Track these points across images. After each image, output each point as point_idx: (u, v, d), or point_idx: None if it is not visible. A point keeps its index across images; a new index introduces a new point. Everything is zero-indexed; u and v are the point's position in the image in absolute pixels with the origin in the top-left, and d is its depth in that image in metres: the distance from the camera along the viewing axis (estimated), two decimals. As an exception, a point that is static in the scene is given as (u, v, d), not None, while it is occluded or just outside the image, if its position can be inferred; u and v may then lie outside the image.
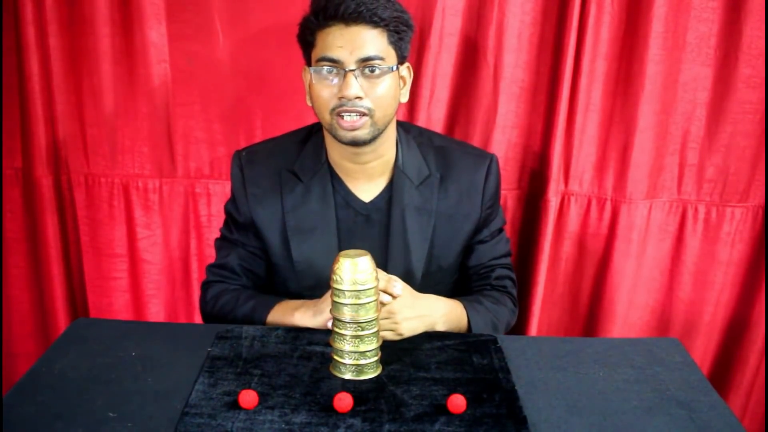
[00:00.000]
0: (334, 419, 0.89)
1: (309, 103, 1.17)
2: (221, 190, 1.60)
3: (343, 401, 0.90)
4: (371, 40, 1.08)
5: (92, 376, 0.98)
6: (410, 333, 1.09)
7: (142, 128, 1.55)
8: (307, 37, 1.13)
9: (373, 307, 0.97)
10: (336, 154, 1.21)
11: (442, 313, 1.14)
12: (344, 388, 0.95)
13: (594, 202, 1.60)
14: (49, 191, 1.56)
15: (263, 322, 1.16)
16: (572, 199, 1.60)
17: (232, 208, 1.27)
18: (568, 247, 1.63)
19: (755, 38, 1.45)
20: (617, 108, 1.53)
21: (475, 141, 1.55)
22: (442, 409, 0.91)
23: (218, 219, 1.61)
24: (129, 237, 1.62)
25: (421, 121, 1.53)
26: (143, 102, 1.52)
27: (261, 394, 0.93)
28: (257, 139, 1.55)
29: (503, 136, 1.56)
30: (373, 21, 1.07)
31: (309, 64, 1.15)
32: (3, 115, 1.52)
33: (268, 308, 1.17)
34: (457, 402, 0.90)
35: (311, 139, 1.25)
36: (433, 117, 1.54)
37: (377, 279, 0.97)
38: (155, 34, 1.47)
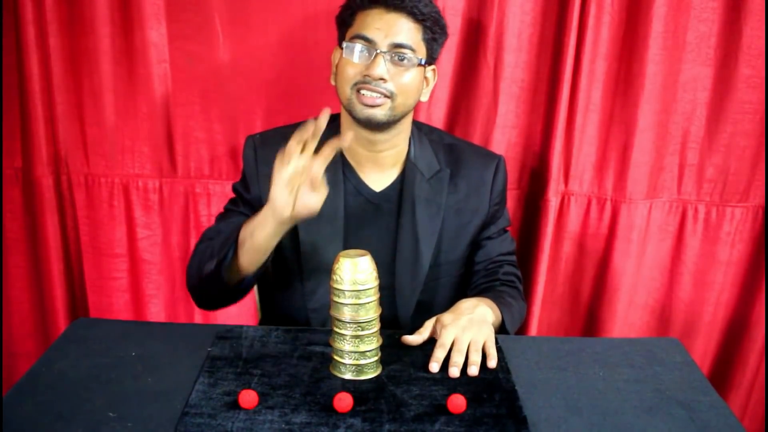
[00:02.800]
0: (334, 419, 0.89)
1: (332, 82, 1.20)
2: (221, 190, 1.60)
3: (343, 401, 0.90)
4: (407, 30, 1.12)
5: (92, 376, 0.98)
6: (490, 332, 1.09)
7: (142, 128, 1.55)
8: (346, 18, 1.16)
9: (373, 307, 0.97)
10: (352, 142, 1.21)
11: (486, 312, 1.14)
12: (344, 388, 0.95)
13: (594, 202, 1.60)
14: (49, 191, 1.56)
15: (236, 239, 1.11)
16: (572, 199, 1.60)
17: (241, 187, 1.28)
18: (568, 247, 1.63)
19: (755, 38, 1.45)
20: (617, 108, 1.53)
21: (475, 141, 1.55)
22: (442, 409, 0.91)
23: (218, 219, 1.61)
24: (129, 237, 1.62)
25: (421, 121, 1.52)
26: (143, 102, 1.52)
27: (261, 394, 0.93)
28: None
29: (503, 136, 1.56)
30: (413, 13, 1.11)
31: (342, 32, 1.18)
32: (3, 115, 1.52)
33: (240, 226, 1.12)
34: (457, 402, 0.90)
35: (326, 127, 1.25)
36: (433, 117, 1.54)
37: (377, 279, 0.97)
38: (155, 34, 1.47)
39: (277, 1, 1.45)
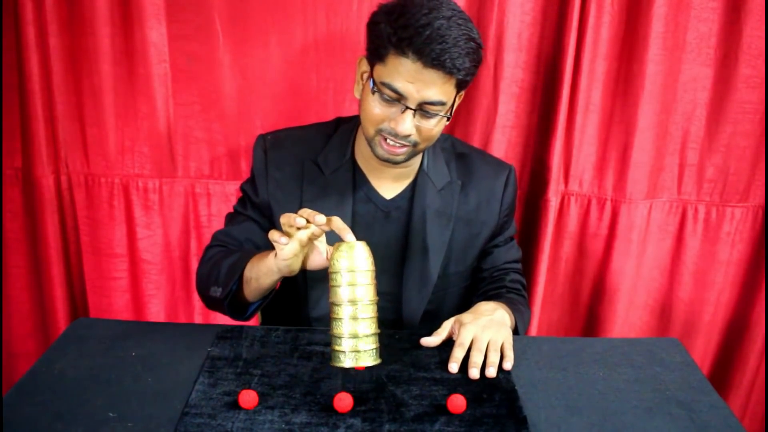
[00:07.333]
0: (334, 419, 0.89)
1: (356, 95, 1.15)
2: (221, 190, 1.60)
3: (343, 401, 0.90)
4: (441, 85, 1.05)
5: (92, 376, 0.98)
6: (508, 334, 1.10)
7: (142, 128, 1.55)
8: (379, 47, 1.06)
9: (369, 290, 0.94)
10: (367, 152, 1.20)
11: (505, 316, 1.16)
12: (344, 388, 0.95)
13: (594, 202, 1.60)
14: (49, 191, 1.55)
15: (243, 269, 1.12)
16: (572, 199, 1.60)
17: (249, 188, 1.27)
18: (568, 247, 1.63)
19: (755, 38, 1.45)
20: (617, 108, 1.53)
21: (475, 141, 1.55)
22: (442, 409, 0.92)
23: (218, 219, 1.61)
24: (129, 237, 1.62)
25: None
26: (143, 102, 1.52)
27: (261, 394, 0.93)
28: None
29: (503, 136, 1.56)
30: (451, 72, 1.04)
31: (372, 57, 1.09)
32: (3, 115, 1.52)
33: (251, 255, 1.14)
34: (457, 402, 0.91)
35: (337, 132, 1.25)
36: (433, 117, 1.54)
37: (373, 264, 0.96)
38: (155, 34, 1.47)
39: (277, 1, 1.45)
